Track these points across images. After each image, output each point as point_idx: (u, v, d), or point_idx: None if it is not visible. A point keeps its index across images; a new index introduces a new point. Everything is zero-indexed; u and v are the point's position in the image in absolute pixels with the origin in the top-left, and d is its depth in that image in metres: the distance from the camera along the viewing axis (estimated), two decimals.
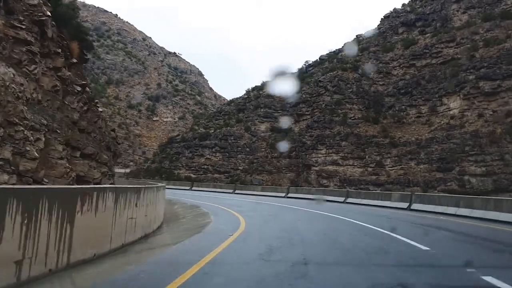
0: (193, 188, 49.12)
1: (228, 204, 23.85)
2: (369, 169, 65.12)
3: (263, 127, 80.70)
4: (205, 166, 76.70)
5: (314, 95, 76.47)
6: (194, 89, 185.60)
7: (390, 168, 63.31)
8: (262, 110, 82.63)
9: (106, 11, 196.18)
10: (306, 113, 76.73)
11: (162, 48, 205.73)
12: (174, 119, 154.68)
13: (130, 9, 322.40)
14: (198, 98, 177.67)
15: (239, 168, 75.45)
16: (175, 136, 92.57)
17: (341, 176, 65.24)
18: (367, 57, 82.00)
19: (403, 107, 69.97)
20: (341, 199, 31.91)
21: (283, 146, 70.24)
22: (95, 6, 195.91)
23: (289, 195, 38.10)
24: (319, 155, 67.21)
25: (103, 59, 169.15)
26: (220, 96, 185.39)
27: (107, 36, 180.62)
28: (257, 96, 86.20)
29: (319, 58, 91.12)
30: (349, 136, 67.75)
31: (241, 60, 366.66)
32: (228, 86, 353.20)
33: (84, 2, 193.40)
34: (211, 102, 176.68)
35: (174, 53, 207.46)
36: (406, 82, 72.29)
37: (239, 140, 78.64)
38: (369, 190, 53.60)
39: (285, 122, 75.76)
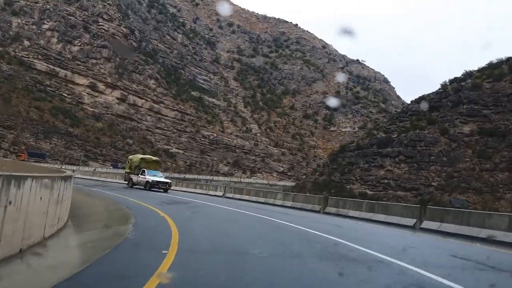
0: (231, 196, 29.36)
1: None
2: None
3: (467, 128, 59.03)
4: (385, 180, 58.83)
5: None
6: (378, 96, 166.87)
7: None
8: (465, 106, 61.00)
9: (286, 21, 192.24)
10: None
11: (343, 56, 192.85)
12: (354, 128, 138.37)
13: (314, 17, 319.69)
14: (383, 105, 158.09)
15: (432, 183, 55.50)
16: (349, 143, 76.56)
17: None
18: None
19: None
20: None
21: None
22: (275, 18, 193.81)
23: None
24: None
25: (280, 69, 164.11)
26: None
27: (286, 46, 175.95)
28: (458, 90, 64.61)
29: None
30: None
31: (431, 65, 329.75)
32: (417, 93, 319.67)
33: (265, 15, 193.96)
34: (397, 110, 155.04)
35: (357, 60, 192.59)
36: None
37: (432, 147, 58.78)
38: None
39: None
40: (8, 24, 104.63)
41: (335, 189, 62.56)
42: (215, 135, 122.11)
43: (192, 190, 33.90)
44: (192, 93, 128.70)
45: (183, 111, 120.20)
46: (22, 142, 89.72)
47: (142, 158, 32.99)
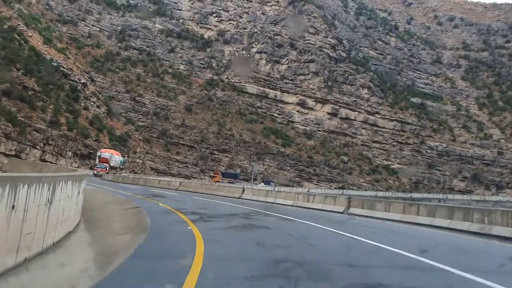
0: None
1: None
2: None
3: None
4: None
5: None
6: None
7: None
8: None
9: None
10: None
11: None
12: None
13: None
14: None
15: None
16: None
17: None
18: None
19: None
20: None
21: None
22: (509, 3, 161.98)
23: None
24: None
25: None
26: None
27: None
28: None
29: None
30: None
31: None
32: None
33: (495, 2, 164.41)
34: None
35: None
36: None
37: None
38: None
39: None
40: (221, 53, 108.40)
41: None
42: (444, 145, 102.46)
43: (429, 222, 16.11)
44: (412, 99, 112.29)
45: (403, 120, 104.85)
46: (237, 165, 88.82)
47: None
